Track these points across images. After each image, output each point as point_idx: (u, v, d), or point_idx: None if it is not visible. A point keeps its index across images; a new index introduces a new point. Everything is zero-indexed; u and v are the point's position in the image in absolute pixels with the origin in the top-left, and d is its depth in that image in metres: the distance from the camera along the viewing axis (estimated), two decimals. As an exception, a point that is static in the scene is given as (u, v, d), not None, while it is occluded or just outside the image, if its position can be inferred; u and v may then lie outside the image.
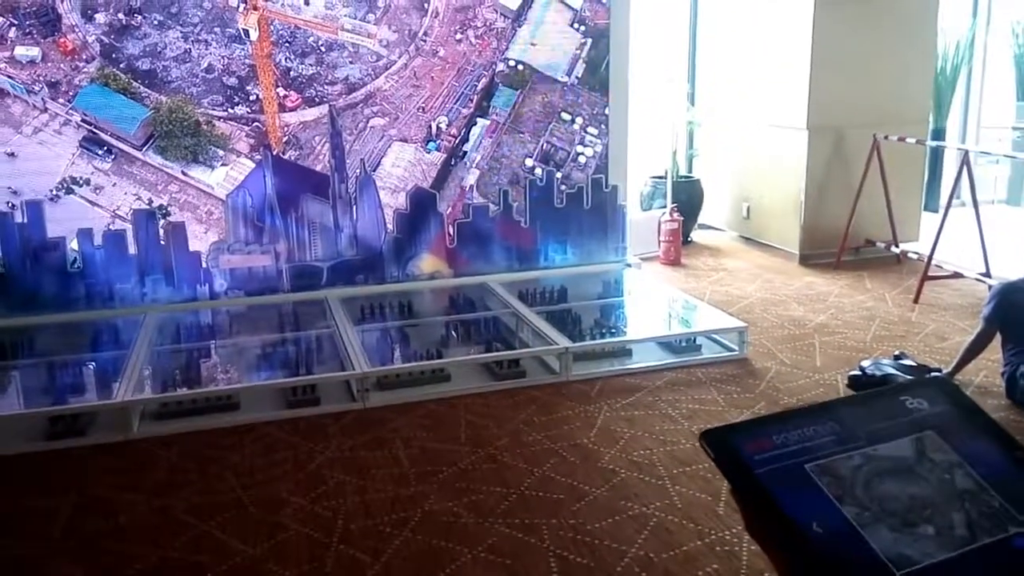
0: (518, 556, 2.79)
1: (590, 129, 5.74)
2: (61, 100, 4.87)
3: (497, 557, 2.79)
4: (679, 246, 6.51)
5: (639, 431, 3.68)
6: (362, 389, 3.99)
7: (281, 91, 5.16)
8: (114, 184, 4.99)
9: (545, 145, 5.68)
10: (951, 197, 5.42)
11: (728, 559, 2.75)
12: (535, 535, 2.91)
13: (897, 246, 6.18)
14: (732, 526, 2.93)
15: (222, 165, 5.14)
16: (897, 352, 4.21)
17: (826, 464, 0.61)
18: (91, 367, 4.50)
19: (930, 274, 5.48)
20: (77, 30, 4.84)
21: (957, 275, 5.56)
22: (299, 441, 3.67)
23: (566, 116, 5.69)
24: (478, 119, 5.54)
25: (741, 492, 0.58)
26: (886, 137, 6.01)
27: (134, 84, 4.95)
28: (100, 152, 4.95)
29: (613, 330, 4.82)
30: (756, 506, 0.57)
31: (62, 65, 4.84)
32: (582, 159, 5.76)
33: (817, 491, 0.59)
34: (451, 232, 5.56)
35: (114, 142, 4.97)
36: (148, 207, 5.04)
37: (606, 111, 5.73)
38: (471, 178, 5.58)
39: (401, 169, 5.44)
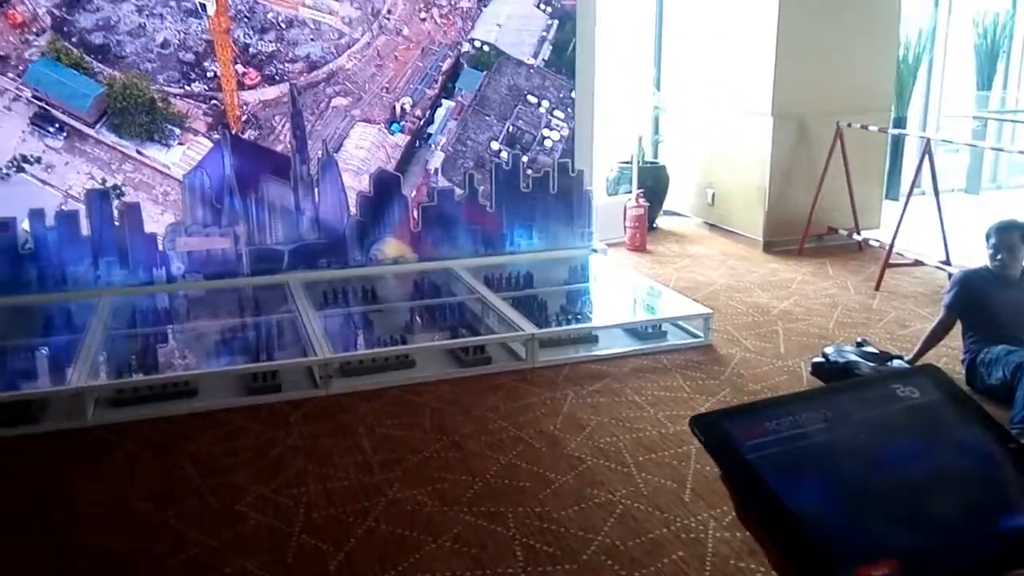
0: (484, 545, 2.77)
1: (556, 112, 5.70)
2: (10, 75, 4.69)
3: (463, 546, 2.76)
4: (645, 232, 6.51)
5: (605, 418, 3.66)
6: (324, 375, 3.92)
7: (239, 68, 5.03)
8: (66, 163, 4.83)
9: (511, 128, 5.62)
10: (912, 185, 5.47)
11: (694, 546, 2.75)
12: (501, 523, 2.88)
13: (859, 234, 6.24)
14: (698, 513, 2.93)
15: (178, 144, 5.00)
16: (859, 339, 4.24)
17: (818, 451, 0.60)
18: (43, 352, 4.36)
19: (891, 262, 5.54)
20: (26, 1, 4.65)
21: (918, 263, 5.63)
22: (260, 428, 3.59)
23: (532, 99, 5.64)
24: (443, 100, 5.46)
25: (732, 478, 0.56)
26: (849, 125, 6.05)
27: (86, 59, 4.78)
28: (51, 129, 4.78)
29: (579, 316, 4.80)
30: (747, 492, 0.56)
31: (11, 38, 4.66)
32: (548, 143, 5.71)
33: (810, 477, 0.58)
34: (415, 216, 5.48)
35: (66, 119, 4.80)
36: (102, 187, 4.89)
37: (572, 94, 5.69)
38: (436, 161, 5.50)
39: (364, 151, 5.34)
